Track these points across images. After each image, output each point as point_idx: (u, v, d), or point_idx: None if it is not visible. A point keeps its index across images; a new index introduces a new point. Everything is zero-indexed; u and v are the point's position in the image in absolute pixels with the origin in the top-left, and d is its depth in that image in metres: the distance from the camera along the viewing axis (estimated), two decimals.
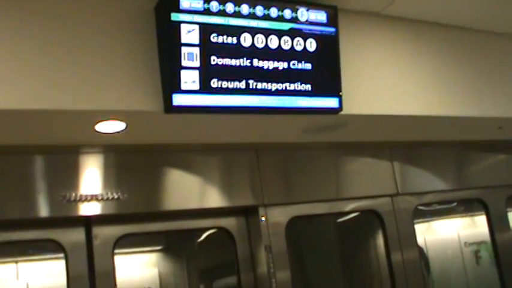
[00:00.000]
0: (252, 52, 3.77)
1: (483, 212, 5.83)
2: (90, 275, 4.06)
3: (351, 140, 4.92)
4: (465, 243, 6.30)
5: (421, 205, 5.43)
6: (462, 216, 6.48)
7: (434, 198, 5.57)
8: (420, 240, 5.40)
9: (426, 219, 6.05)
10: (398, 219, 5.12)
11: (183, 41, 3.56)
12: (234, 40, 3.72)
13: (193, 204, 4.38)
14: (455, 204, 6.07)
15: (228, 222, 4.56)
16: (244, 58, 3.74)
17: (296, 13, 3.94)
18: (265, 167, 4.66)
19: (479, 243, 6.26)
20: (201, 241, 5.04)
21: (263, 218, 4.49)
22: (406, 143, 5.27)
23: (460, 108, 4.78)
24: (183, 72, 3.56)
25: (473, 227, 6.46)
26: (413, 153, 5.41)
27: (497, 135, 5.58)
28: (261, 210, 4.51)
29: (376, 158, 5.19)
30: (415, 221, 5.27)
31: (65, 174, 4.04)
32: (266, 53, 3.82)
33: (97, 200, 4.06)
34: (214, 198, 4.46)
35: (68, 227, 4.09)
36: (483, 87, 4.97)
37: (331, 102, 4.03)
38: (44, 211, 3.99)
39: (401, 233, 5.11)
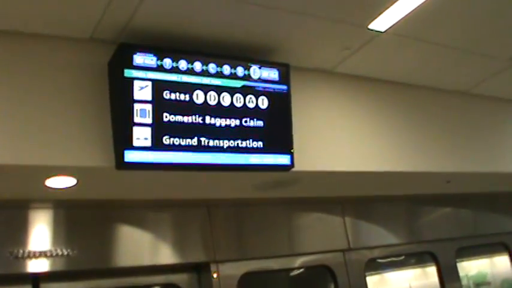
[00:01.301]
0: (205, 109, 3.80)
1: (433, 264, 5.90)
2: None
3: (303, 195, 4.97)
4: None
5: (373, 259, 5.47)
6: (413, 268, 6.56)
7: (386, 251, 5.63)
8: None
9: (378, 272, 6.10)
10: (350, 272, 5.15)
11: (135, 97, 3.57)
12: (187, 97, 3.75)
13: (145, 260, 4.34)
14: (404, 257, 6.13)
15: (180, 279, 4.52)
16: (197, 115, 3.77)
17: (249, 71, 4.00)
18: (216, 223, 4.66)
19: None
20: None
21: (215, 275, 4.47)
22: (357, 198, 5.34)
23: (409, 164, 4.89)
24: (135, 129, 3.55)
25: (425, 278, 6.53)
26: (364, 208, 5.49)
27: (445, 188, 5.70)
28: (213, 267, 4.49)
29: (328, 213, 5.25)
30: (367, 273, 5.32)
31: (13, 230, 3.97)
32: (219, 110, 3.85)
33: (46, 256, 3.98)
34: (166, 255, 4.42)
35: (15, 284, 3.99)
36: (431, 143, 5.10)
37: (283, 159, 4.07)
38: None
39: (352, 286, 5.13)
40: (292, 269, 5.19)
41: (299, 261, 5.03)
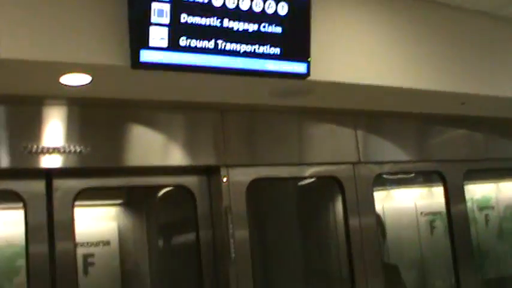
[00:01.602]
0: (223, 12, 3.74)
1: (441, 184, 5.95)
2: (49, 227, 4.06)
3: (317, 105, 4.95)
4: (421, 213, 6.48)
5: (381, 174, 5.51)
6: (420, 187, 6.63)
7: (395, 168, 5.63)
8: (378, 207, 5.51)
9: (385, 188, 6.17)
10: (358, 186, 5.20)
11: None
12: None
13: (155, 161, 4.38)
14: (413, 175, 6.18)
15: (190, 181, 4.57)
16: (215, 18, 3.72)
17: None
18: (229, 127, 4.66)
19: (435, 214, 6.43)
20: (161, 198, 5.06)
21: (225, 179, 4.52)
22: (370, 112, 5.32)
23: (425, 82, 4.85)
24: (152, 29, 3.53)
25: (430, 198, 6.62)
26: (376, 122, 5.46)
27: (459, 110, 5.66)
28: (223, 171, 4.53)
29: (340, 126, 5.23)
30: (374, 188, 5.35)
31: (28, 126, 4.00)
32: (237, 14, 3.80)
33: (59, 152, 4.03)
34: (176, 156, 4.46)
35: (28, 178, 4.06)
36: (450, 62, 5.02)
37: (299, 67, 4.05)
38: (4, 162, 3.94)
39: (360, 200, 5.18)
40: (301, 178, 5.26)
41: (308, 170, 5.07)
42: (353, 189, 5.17)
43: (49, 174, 4.11)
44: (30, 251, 3.98)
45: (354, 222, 5.13)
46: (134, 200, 5.17)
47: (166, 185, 4.72)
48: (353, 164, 5.22)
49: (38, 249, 3.99)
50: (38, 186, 4.07)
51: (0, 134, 3.94)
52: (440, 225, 6.39)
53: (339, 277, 5.56)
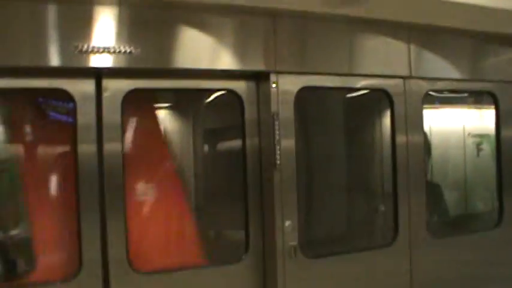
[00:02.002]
0: None
1: (491, 106, 5.81)
2: (97, 126, 4.12)
3: (371, 16, 4.79)
4: (469, 134, 6.36)
5: (432, 91, 5.39)
6: (470, 107, 6.47)
7: (446, 85, 5.51)
8: (426, 125, 5.42)
9: (435, 106, 6.03)
10: (408, 101, 5.11)
11: None
12: None
13: (204, 64, 4.36)
14: (465, 94, 6.03)
15: (238, 86, 4.55)
16: None
17: None
18: (280, 34, 4.56)
19: (482, 136, 6.30)
20: (209, 102, 5.05)
21: (274, 85, 4.48)
22: (425, 26, 5.13)
23: None
24: None
25: (479, 119, 6.47)
26: (430, 37, 5.28)
27: None
28: (273, 77, 4.48)
29: (394, 38, 5.08)
30: (424, 106, 5.26)
31: (79, 25, 4.00)
32: None
33: (109, 52, 4.03)
34: (226, 61, 4.43)
35: (78, 77, 4.10)
36: None
37: None
38: (55, 60, 3.98)
39: (409, 116, 5.12)
40: (351, 89, 5.19)
41: (358, 82, 4.99)
42: (402, 104, 5.09)
43: (99, 74, 4.13)
44: (79, 150, 4.07)
45: (401, 138, 5.09)
46: (182, 104, 5.17)
47: (215, 89, 4.71)
48: (404, 78, 5.11)
49: (86, 149, 4.09)
50: (88, 85, 4.12)
51: (52, 33, 3.96)
52: (487, 147, 6.28)
53: (382, 191, 5.58)
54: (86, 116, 4.08)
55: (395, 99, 5.06)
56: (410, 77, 5.14)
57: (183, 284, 4.36)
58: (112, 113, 4.14)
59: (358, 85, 5.03)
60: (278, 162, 4.41)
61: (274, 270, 4.45)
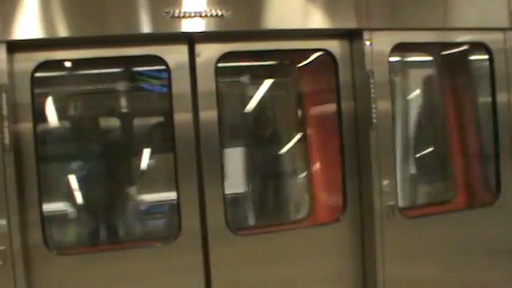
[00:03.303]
0: None
1: None
2: (192, 93, 4.17)
3: None
4: None
5: None
6: None
7: None
8: None
9: None
10: (508, 55, 4.83)
11: None
12: None
13: (296, 24, 4.30)
14: None
15: (331, 45, 4.46)
16: None
17: None
18: None
19: None
20: (302, 66, 5.00)
21: (367, 42, 4.37)
22: None
23: None
24: None
25: None
26: None
27: None
28: (366, 34, 4.37)
29: None
30: None
31: None
32: None
33: (201, 16, 4.05)
34: (318, 20, 4.34)
35: (171, 43, 4.15)
36: None
37: None
38: (147, 27, 4.05)
39: (510, 72, 4.84)
40: (447, 44, 4.99)
41: (455, 36, 4.78)
42: (502, 58, 4.82)
43: (191, 39, 4.16)
44: (175, 117, 4.14)
45: (502, 96, 4.84)
46: (275, 68, 5.15)
47: (307, 49, 4.64)
48: (504, 30, 4.83)
49: (182, 117, 4.16)
50: (181, 51, 4.16)
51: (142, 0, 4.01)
52: None
53: (481, 153, 5.38)
54: (180, 83, 4.14)
55: (495, 54, 4.80)
56: (511, 28, 4.86)
57: (282, 244, 4.38)
58: (206, 79, 4.18)
59: (455, 39, 4.83)
60: (374, 120, 4.33)
61: (372, 230, 4.41)
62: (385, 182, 4.37)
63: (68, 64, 4.55)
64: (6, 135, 3.80)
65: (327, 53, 4.48)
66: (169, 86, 4.15)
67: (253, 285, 4.32)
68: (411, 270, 4.55)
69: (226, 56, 4.23)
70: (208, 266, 4.21)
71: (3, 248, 3.81)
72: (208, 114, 4.19)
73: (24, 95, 3.94)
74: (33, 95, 3.97)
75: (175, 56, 4.15)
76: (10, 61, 3.88)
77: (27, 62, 3.96)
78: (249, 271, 4.30)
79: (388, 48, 4.43)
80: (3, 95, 3.80)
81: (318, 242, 4.45)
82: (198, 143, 4.17)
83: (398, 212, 4.42)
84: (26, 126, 3.94)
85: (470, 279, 4.73)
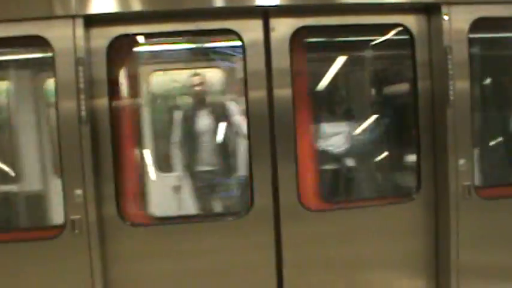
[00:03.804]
0: None
1: None
2: (267, 68, 4.15)
3: None
4: None
5: None
6: None
7: None
8: None
9: None
10: None
11: None
12: None
13: None
14: None
15: (408, 20, 4.32)
16: None
17: None
18: None
19: None
20: (376, 44, 4.90)
21: (446, 17, 4.20)
22: None
23: None
24: None
25: None
26: None
27: None
28: (444, 8, 4.21)
29: None
30: None
31: None
32: None
33: None
34: None
35: (245, 17, 4.14)
36: None
37: None
38: (221, 0, 4.06)
39: None
40: None
41: None
42: None
43: (266, 13, 4.14)
44: (249, 95, 4.15)
45: None
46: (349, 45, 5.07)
47: (383, 23, 4.47)
48: None
49: (256, 94, 4.16)
50: (255, 25, 4.15)
51: None
52: None
53: None
54: (254, 58, 4.13)
55: None
56: None
57: (357, 222, 4.34)
58: (281, 55, 4.14)
59: None
60: (451, 97, 4.20)
61: (446, 211, 4.29)
62: (461, 162, 4.24)
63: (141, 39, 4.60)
64: (83, 108, 3.90)
65: (403, 29, 4.35)
66: (244, 60, 4.14)
67: (323, 263, 4.30)
68: (486, 254, 4.41)
69: (300, 31, 4.18)
70: (280, 242, 4.22)
71: (79, 217, 3.94)
72: (282, 91, 4.17)
73: (100, 70, 4.03)
74: (108, 71, 4.06)
75: (249, 29, 4.13)
76: (87, 36, 3.97)
77: (102, 37, 4.04)
78: (320, 249, 4.28)
79: (467, 22, 4.25)
80: (80, 68, 3.89)
81: (391, 221, 4.38)
82: (272, 121, 4.17)
83: (475, 193, 4.29)
84: (102, 100, 4.04)
85: None
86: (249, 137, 4.16)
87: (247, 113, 4.17)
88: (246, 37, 4.12)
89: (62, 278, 4.02)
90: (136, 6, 4.02)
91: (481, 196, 4.33)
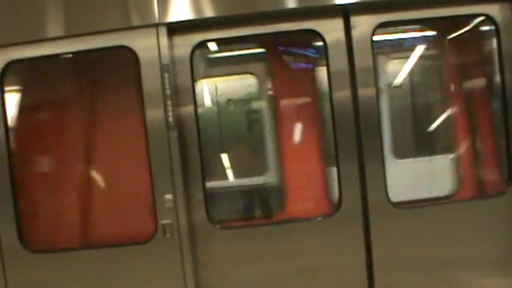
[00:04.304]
0: None
1: None
2: (350, 68, 4.14)
3: None
4: None
5: None
6: None
7: None
8: None
9: None
10: None
11: None
12: None
13: None
14: None
15: (492, 9, 4.17)
16: None
17: None
18: None
19: None
20: (458, 36, 4.79)
21: None
22: None
23: None
24: None
25: None
26: None
27: None
28: None
29: None
30: None
31: None
32: None
33: None
34: None
35: (326, 17, 4.14)
36: None
37: None
38: (300, 1, 4.08)
39: None
40: None
41: None
42: None
43: (346, 11, 4.12)
44: (332, 93, 4.14)
45: None
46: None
47: (465, 14, 4.35)
48: None
49: (339, 93, 4.15)
50: (336, 24, 4.14)
51: None
52: None
53: None
54: (337, 58, 4.13)
55: None
56: None
57: (447, 217, 4.24)
58: (363, 53, 4.12)
59: None
60: None
61: None
62: None
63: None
64: (170, 114, 3.98)
65: (488, 19, 4.21)
66: (326, 60, 4.14)
67: (414, 262, 4.23)
68: None
69: (381, 27, 4.15)
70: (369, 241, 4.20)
71: (170, 221, 4.01)
72: (366, 89, 4.14)
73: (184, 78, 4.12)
74: (193, 77, 4.14)
75: (330, 28, 4.13)
76: (170, 44, 4.06)
77: (185, 44, 4.13)
78: (410, 247, 4.21)
79: None
80: (166, 75, 3.98)
81: (484, 216, 4.24)
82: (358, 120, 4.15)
83: None
84: (188, 108, 4.12)
85: None
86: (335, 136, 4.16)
87: (333, 113, 4.15)
88: (328, 36, 4.13)
89: (154, 282, 4.12)
90: (213, 12, 4.09)
91: None
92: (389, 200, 4.15)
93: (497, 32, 4.20)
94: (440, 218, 4.24)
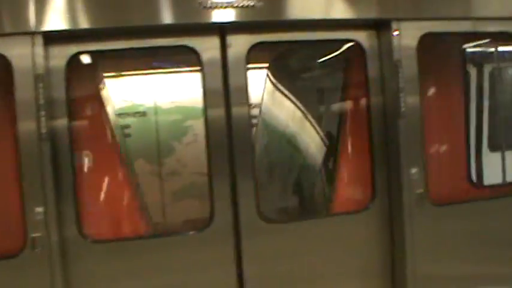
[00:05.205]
0: None
1: None
2: (224, 84, 4.23)
3: None
4: None
5: None
6: None
7: None
8: None
9: None
10: None
11: None
12: None
13: (335, 13, 4.33)
14: None
15: (359, 36, 4.46)
16: None
17: None
18: None
19: None
20: (328, 54, 5.02)
21: (395, 33, 4.35)
22: None
23: None
24: None
25: None
26: None
27: None
28: (394, 25, 4.36)
29: None
30: None
31: None
32: None
33: (232, 7, 4.10)
34: (342, 10, 4.34)
35: (202, 34, 4.21)
36: None
37: None
38: (179, 17, 4.12)
39: None
40: (478, 34, 4.79)
41: (485, 25, 4.64)
42: None
43: (223, 30, 4.22)
44: (207, 111, 4.22)
45: None
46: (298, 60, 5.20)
47: (335, 39, 4.60)
48: None
49: (214, 111, 4.24)
50: (212, 42, 4.22)
51: None
52: None
53: None
54: (211, 76, 4.21)
55: None
56: None
57: (311, 232, 4.44)
58: (238, 70, 4.23)
59: (486, 28, 4.66)
60: (403, 109, 4.35)
61: (401, 218, 4.43)
62: (414, 170, 4.40)
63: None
64: (43, 125, 3.90)
65: (355, 44, 4.48)
66: (202, 76, 4.21)
67: (285, 277, 4.38)
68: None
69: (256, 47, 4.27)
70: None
71: (40, 234, 3.88)
72: (239, 107, 4.24)
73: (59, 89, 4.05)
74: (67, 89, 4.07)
75: (206, 46, 4.20)
76: (46, 54, 3.97)
77: (61, 55, 4.05)
78: (282, 262, 4.38)
79: (416, 37, 4.38)
80: (40, 85, 3.88)
81: (348, 231, 4.49)
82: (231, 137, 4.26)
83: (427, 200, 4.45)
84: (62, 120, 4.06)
85: None
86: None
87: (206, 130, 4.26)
88: (203, 53, 4.19)
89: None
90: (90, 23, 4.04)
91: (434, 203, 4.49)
92: (260, 215, 4.29)
93: (363, 56, 4.48)
94: (310, 232, 4.44)
